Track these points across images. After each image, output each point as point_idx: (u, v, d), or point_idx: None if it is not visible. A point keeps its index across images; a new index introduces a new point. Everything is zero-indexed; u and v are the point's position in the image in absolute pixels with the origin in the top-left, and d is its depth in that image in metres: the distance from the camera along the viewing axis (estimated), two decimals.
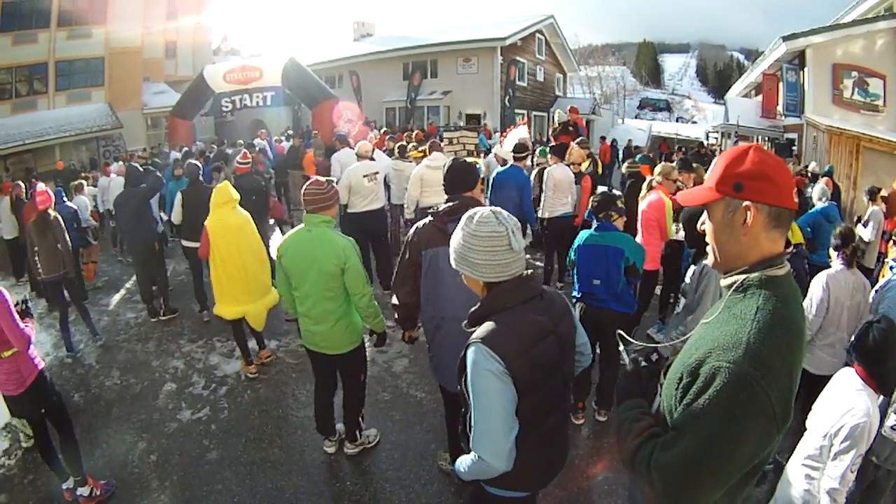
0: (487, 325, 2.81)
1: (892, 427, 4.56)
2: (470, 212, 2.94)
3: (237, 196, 7.95)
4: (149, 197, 9.91)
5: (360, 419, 6.19)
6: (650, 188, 8.47)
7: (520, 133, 14.42)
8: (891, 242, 6.34)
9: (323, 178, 5.67)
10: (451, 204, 4.72)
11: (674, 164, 9.28)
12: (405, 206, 10.35)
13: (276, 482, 5.67)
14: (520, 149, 10.46)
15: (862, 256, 7.95)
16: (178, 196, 9.71)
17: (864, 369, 3.77)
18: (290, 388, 7.58)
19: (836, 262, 5.85)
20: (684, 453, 2.00)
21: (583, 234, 6.50)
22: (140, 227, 9.64)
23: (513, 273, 2.84)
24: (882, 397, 3.88)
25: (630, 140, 28.80)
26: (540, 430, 2.96)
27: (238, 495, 5.50)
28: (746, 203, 2.11)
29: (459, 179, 4.92)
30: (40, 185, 9.27)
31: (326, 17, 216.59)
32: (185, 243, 9.88)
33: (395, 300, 5.06)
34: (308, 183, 5.55)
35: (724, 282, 2.27)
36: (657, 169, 8.82)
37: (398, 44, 40.07)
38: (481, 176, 5.31)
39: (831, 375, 5.28)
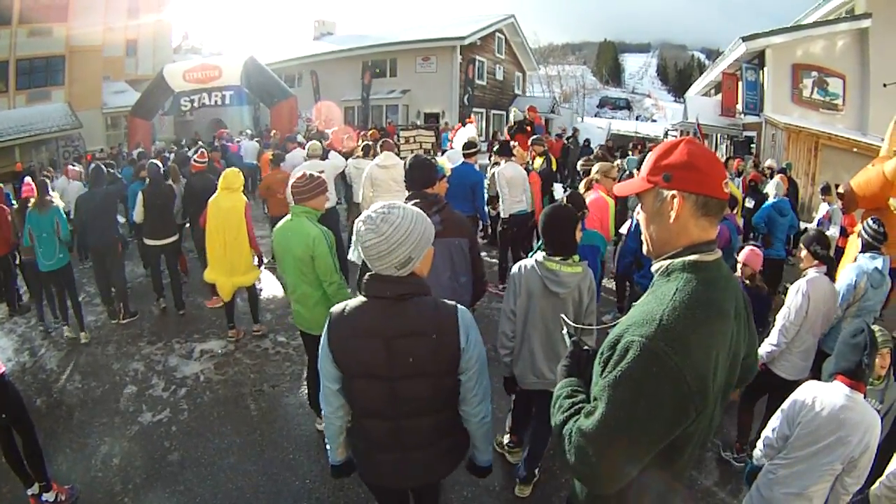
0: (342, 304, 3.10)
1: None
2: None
3: (238, 184, 8.76)
4: (114, 199, 9.94)
5: None
6: (589, 187, 8.52)
7: (468, 131, 14.50)
8: (851, 238, 6.47)
9: (309, 173, 6.05)
10: (412, 201, 4.74)
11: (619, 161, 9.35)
12: (361, 206, 10.33)
13: (237, 482, 5.72)
14: (469, 146, 10.55)
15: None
16: (140, 195, 9.76)
17: (850, 375, 3.76)
18: (247, 388, 7.63)
19: (813, 270, 5.84)
20: (597, 422, 2.08)
21: None
22: (103, 227, 9.58)
23: (378, 269, 2.95)
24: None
25: (587, 139, 28.85)
26: (373, 424, 3.21)
27: (200, 496, 5.54)
28: (673, 192, 2.24)
29: (419, 176, 5.04)
30: (27, 178, 10.13)
31: (287, 16, 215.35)
32: (148, 241, 9.94)
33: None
34: (296, 176, 6.06)
35: (653, 267, 2.38)
36: (595, 167, 8.89)
37: (357, 43, 40.25)
38: (442, 174, 5.39)
39: (800, 381, 5.39)
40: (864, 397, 3.80)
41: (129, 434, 6.63)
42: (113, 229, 9.74)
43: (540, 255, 4.69)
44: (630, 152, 22.12)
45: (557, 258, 4.62)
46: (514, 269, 4.87)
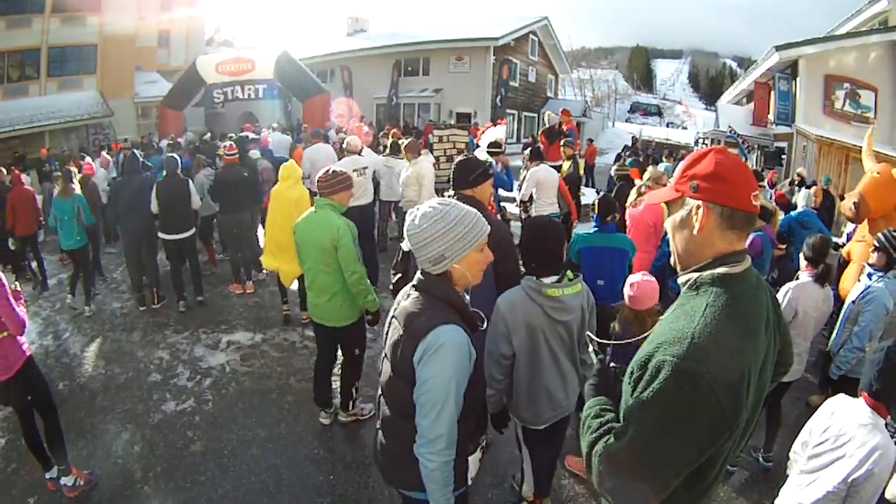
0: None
1: None
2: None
3: (299, 174, 8.99)
4: (149, 186, 9.93)
5: (355, 391, 6.54)
6: (640, 193, 8.39)
7: (497, 132, 14.48)
8: (871, 248, 6.32)
9: (335, 169, 6.30)
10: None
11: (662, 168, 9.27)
12: (404, 204, 10.53)
13: (260, 475, 5.68)
14: (493, 145, 10.58)
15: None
16: (154, 188, 9.77)
17: (879, 398, 3.58)
18: (273, 381, 7.59)
19: (805, 275, 5.90)
20: (629, 443, 2.04)
21: (582, 237, 6.57)
22: (141, 214, 9.71)
23: (419, 261, 3.02)
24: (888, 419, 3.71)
25: (626, 145, 28.93)
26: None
27: (221, 487, 5.50)
28: (698, 203, 2.18)
29: (457, 176, 4.94)
30: (88, 158, 11.95)
31: (321, 12, 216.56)
32: (162, 235, 9.94)
33: (392, 280, 5.18)
34: (321, 172, 6.28)
35: (681, 279, 2.32)
36: (647, 174, 8.86)
37: (391, 40, 40.20)
38: (485, 176, 5.18)
39: (791, 382, 5.66)
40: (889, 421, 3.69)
41: (151, 422, 6.61)
42: (145, 217, 9.80)
43: (530, 284, 4.18)
44: (664, 159, 21.99)
45: (554, 281, 4.21)
46: (502, 305, 4.20)
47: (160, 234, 9.94)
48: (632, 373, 2.16)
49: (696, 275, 2.22)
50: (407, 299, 3.02)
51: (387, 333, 3.11)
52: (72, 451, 5.62)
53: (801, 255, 5.98)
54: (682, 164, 2.34)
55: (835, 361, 6.02)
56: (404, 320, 2.92)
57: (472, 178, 4.92)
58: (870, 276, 6.10)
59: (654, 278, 5.26)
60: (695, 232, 2.21)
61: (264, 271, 11.09)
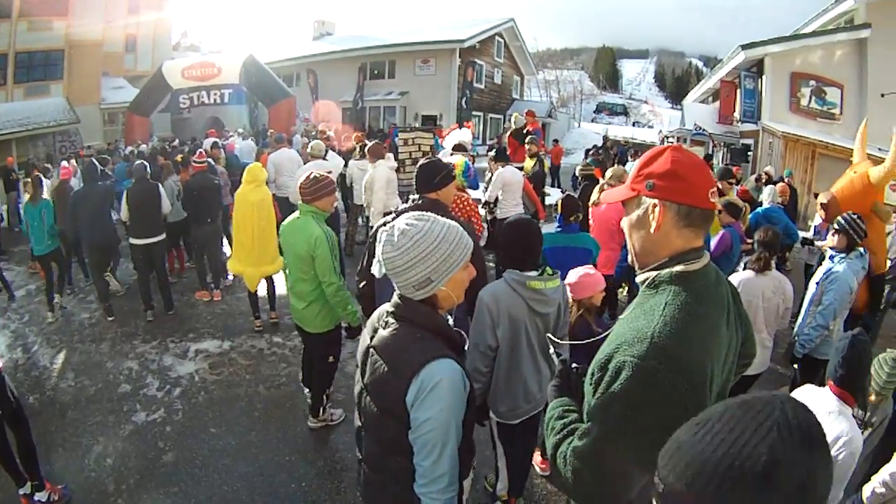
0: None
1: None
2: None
3: (263, 177, 9.01)
4: (110, 196, 9.98)
5: (325, 397, 6.57)
6: (602, 191, 8.48)
7: (462, 135, 14.55)
8: (830, 233, 6.46)
9: (315, 174, 6.19)
10: (414, 204, 4.79)
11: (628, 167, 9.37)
12: (371, 209, 10.44)
13: (232, 484, 5.71)
14: (457, 148, 10.66)
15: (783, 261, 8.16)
16: (125, 194, 9.79)
17: (845, 386, 3.73)
18: (243, 389, 7.62)
19: (749, 272, 6.04)
20: (594, 443, 2.06)
21: (546, 237, 6.57)
22: (103, 224, 9.74)
23: (399, 286, 2.74)
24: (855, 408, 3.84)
25: (595, 145, 29.22)
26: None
27: (194, 497, 5.53)
28: (654, 201, 2.20)
29: (421, 179, 4.95)
30: (64, 162, 11.91)
31: (287, 15, 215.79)
32: (133, 241, 9.89)
33: (358, 287, 5.22)
34: (302, 178, 6.18)
35: (639, 278, 2.34)
36: (608, 172, 9.01)
37: (356, 43, 40.31)
38: (450, 178, 5.18)
39: (758, 375, 5.87)
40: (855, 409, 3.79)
41: (122, 434, 6.61)
42: (109, 226, 9.86)
43: (514, 276, 4.28)
44: (630, 158, 22.14)
45: (536, 275, 4.30)
46: (486, 298, 4.26)
47: (131, 240, 9.89)
48: (592, 374, 2.19)
49: (654, 273, 2.25)
50: (386, 329, 2.72)
51: (364, 363, 2.82)
52: (45, 466, 5.61)
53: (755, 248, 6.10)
54: (637, 163, 2.35)
55: (798, 340, 6.16)
56: (388, 356, 2.66)
57: (436, 181, 4.92)
58: (832, 258, 6.30)
59: (596, 272, 5.38)
60: (651, 231, 2.23)
61: (230, 277, 11.17)
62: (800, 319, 6.47)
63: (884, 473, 3.83)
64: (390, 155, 10.40)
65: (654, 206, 2.20)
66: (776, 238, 6.14)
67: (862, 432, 4.26)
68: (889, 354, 4.74)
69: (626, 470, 2.05)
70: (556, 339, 2.92)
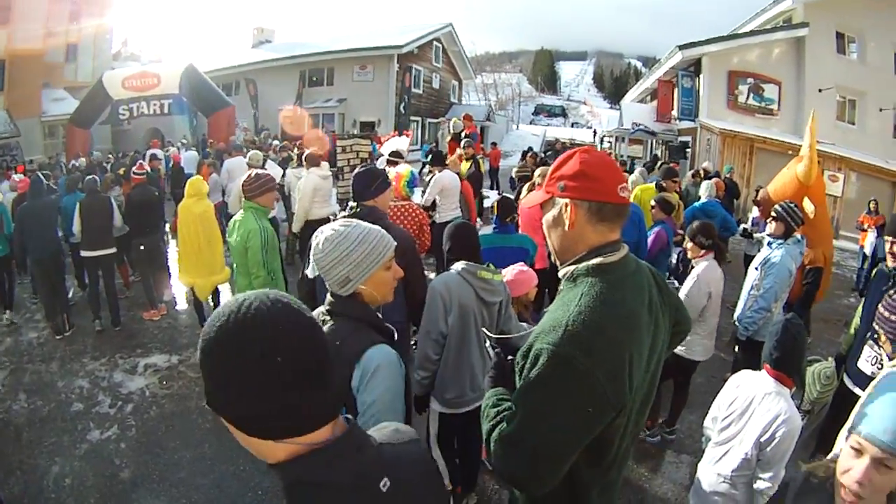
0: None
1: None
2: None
3: (205, 189, 9.31)
4: (55, 211, 10.02)
5: None
6: (531, 189, 8.68)
7: (399, 143, 14.66)
8: (768, 221, 6.70)
9: (258, 171, 6.62)
10: (353, 212, 4.95)
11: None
12: (298, 216, 10.48)
13: (190, 496, 5.78)
14: (394, 155, 10.78)
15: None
16: (77, 207, 9.77)
17: (781, 368, 3.79)
18: (193, 402, 7.68)
19: (704, 260, 6.24)
20: (517, 427, 2.21)
21: (482, 238, 6.74)
22: (48, 239, 9.76)
23: (328, 285, 3.02)
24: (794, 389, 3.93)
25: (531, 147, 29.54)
26: None
27: None
28: (566, 201, 2.37)
29: (357, 187, 5.08)
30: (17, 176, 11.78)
31: (227, 22, 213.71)
32: (85, 253, 9.92)
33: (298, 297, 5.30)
34: (246, 174, 6.64)
35: (560, 273, 2.49)
36: (537, 171, 9.20)
37: (295, 51, 40.36)
38: (386, 185, 5.30)
39: (699, 361, 6.09)
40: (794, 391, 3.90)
41: (78, 453, 6.61)
42: (55, 241, 9.90)
43: (465, 266, 4.56)
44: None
45: (484, 267, 4.61)
46: (439, 286, 4.56)
47: (82, 253, 9.94)
48: (518, 362, 2.37)
49: (573, 267, 2.40)
50: (324, 326, 2.87)
51: None
52: (4, 490, 5.71)
53: (694, 243, 6.31)
54: (551, 167, 2.52)
55: (741, 324, 6.43)
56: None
57: (373, 189, 5.07)
58: (770, 244, 6.54)
59: (528, 269, 5.56)
60: (566, 228, 2.39)
61: (173, 293, 11.25)
62: (740, 304, 6.74)
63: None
64: (325, 163, 10.45)
65: (567, 205, 2.37)
66: (709, 228, 6.36)
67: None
68: (824, 370, 4.98)
69: (549, 453, 2.19)
70: (490, 333, 3.04)
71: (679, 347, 5.02)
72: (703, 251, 6.25)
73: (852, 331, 5.31)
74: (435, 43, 41.63)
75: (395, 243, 3.06)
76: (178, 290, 10.68)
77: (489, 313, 4.64)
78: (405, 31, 39.70)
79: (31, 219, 9.62)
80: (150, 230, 10.34)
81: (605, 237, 2.37)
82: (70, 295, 10.81)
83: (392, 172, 7.12)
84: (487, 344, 3.01)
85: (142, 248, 10.34)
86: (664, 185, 9.87)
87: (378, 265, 2.91)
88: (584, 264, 2.36)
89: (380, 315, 3.12)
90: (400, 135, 17.72)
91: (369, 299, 2.98)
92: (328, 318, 2.96)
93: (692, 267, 6.41)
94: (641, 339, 2.31)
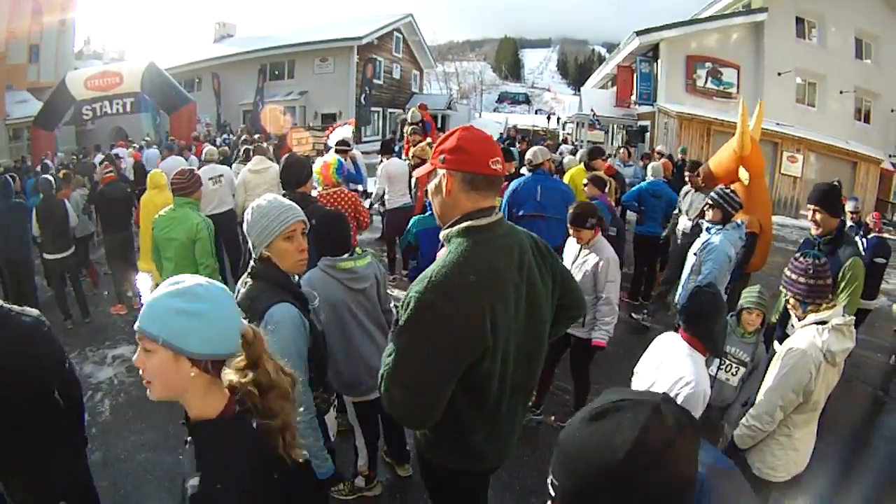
0: None
1: (717, 369, 5.24)
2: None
3: (164, 181, 9.10)
4: (25, 213, 10.04)
5: None
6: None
7: (344, 132, 14.92)
8: (705, 207, 6.94)
9: (188, 169, 7.10)
10: None
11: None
12: (236, 210, 10.53)
13: (155, 473, 6.08)
14: (341, 143, 11.09)
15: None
16: (34, 211, 9.93)
17: (692, 333, 3.94)
18: None
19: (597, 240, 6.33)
20: (392, 365, 2.58)
21: (417, 220, 7.25)
22: (17, 241, 9.79)
23: None
24: (709, 357, 4.14)
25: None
26: None
27: (123, 488, 5.87)
28: (443, 171, 2.72)
29: (287, 176, 5.43)
30: None
31: (188, 16, 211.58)
32: (47, 256, 10.13)
33: None
34: (174, 173, 7.04)
35: (441, 235, 2.84)
36: (420, 145, 9.69)
37: (256, 45, 40.25)
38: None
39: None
40: (709, 357, 4.18)
41: None
42: (25, 243, 9.96)
43: (325, 262, 4.70)
44: (517, 144, 22.62)
45: (347, 257, 4.73)
46: (303, 286, 4.07)
47: (44, 256, 10.10)
48: (399, 312, 2.66)
49: (448, 230, 2.76)
50: (245, 287, 3.40)
51: None
52: None
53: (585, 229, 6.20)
54: (436, 143, 2.86)
55: (680, 310, 6.62)
56: (244, 306, 3.15)
57: (302, 177, 5.70)
58: (708, 230, 6.77)
59: None
60: (444, 196, 2.75)
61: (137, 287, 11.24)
62: (680, 289, 6.95)
63: (747, 416, 4.25)
64: (258, 157, 10.57)
65: (445, 175, 2.72)
66: (591, 209, 6.38)
67: (737, 372, 5.12)
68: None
69: (421, 387, 2.58)
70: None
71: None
72: (592, 232, 6.19)
73: (782, 300, 5.46)
74: (395, 33, 41.83)
75: (299, 218, 3.46)
76: (144, 284, 10.86)
77: (365, 298, 4.87)
78: (366, 22, 39.75)
79: (1, 220, 9.66)
80: (123, 226, 10.55)
81: (477, 204, 2.72)
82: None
83: (319, 162, 7.45)
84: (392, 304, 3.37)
85: (117, 245, 10.56)
86: (592, 165, 10.15)
87: (275, 235, 3.36)
88: (456, 227, 2.72)
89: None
90: (345, 125, 17.96)
91: (282, 264, 3.42)
92: (248, 279, 3.42)
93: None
94: (506, 292, 2.68)
